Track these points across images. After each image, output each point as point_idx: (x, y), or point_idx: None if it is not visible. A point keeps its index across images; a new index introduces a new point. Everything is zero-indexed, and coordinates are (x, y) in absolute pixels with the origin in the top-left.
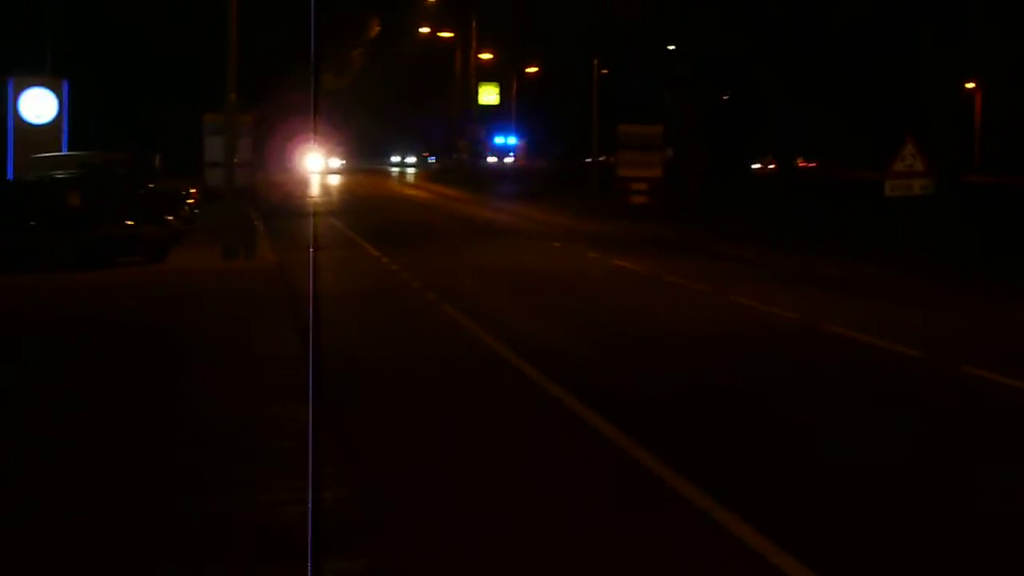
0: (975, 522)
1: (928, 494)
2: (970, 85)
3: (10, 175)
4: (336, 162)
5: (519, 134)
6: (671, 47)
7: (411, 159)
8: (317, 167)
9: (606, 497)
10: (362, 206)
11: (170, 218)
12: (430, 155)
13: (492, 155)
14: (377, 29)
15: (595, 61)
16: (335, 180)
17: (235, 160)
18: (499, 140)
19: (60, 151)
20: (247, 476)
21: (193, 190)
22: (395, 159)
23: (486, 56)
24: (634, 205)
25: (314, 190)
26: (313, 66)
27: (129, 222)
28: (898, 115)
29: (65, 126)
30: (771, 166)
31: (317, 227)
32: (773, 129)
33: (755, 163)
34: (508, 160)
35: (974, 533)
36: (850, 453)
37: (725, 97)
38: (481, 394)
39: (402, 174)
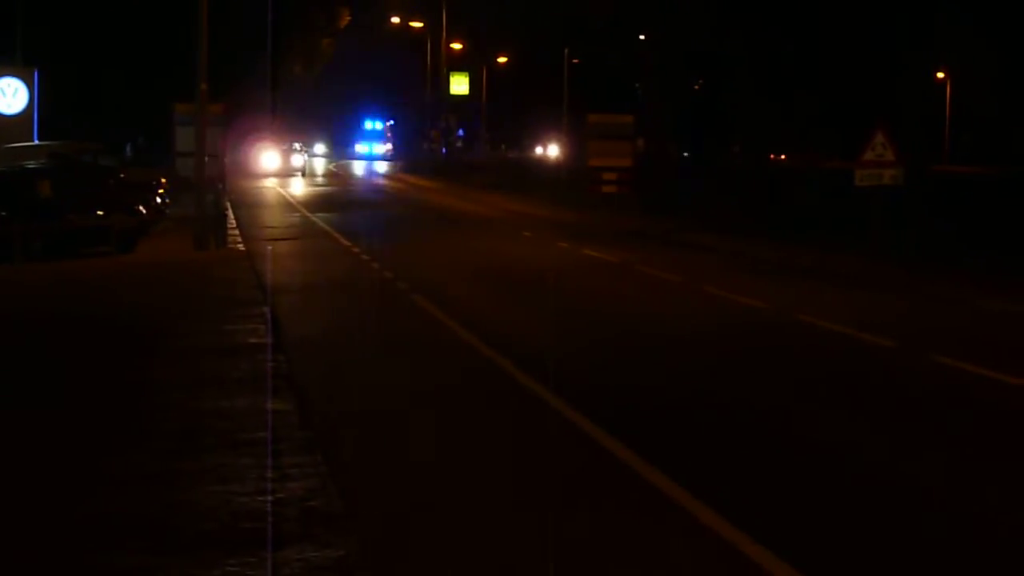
0: (947, 512)
1: (900, 484)
2: (940, 75)
3: None
4: (299, 159)
5: (391, 117)
6: (642, 37)
7: (319, 148)
8: (273, 165)
9: (572, 473)
10: (332, 197)
11: (140, 208)
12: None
13: (362, 144)
14: (347, 19)
15: (566, 51)
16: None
17: (206, 150)
18: (368, 125)
19: (31, 141)
20: (215, 466)
21: (163, 180)
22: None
23: (457, 46)
24: (605, 195)
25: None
26: (271, 55)
27: (99, 212)
28: (869, 105)
29: (35, 116)
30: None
31: (287, 219)
32: (744, 120)
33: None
34: (382, 150)
35: (946, 524)
36: (825, 443)
37: (696, 87)
38: (448, 381)
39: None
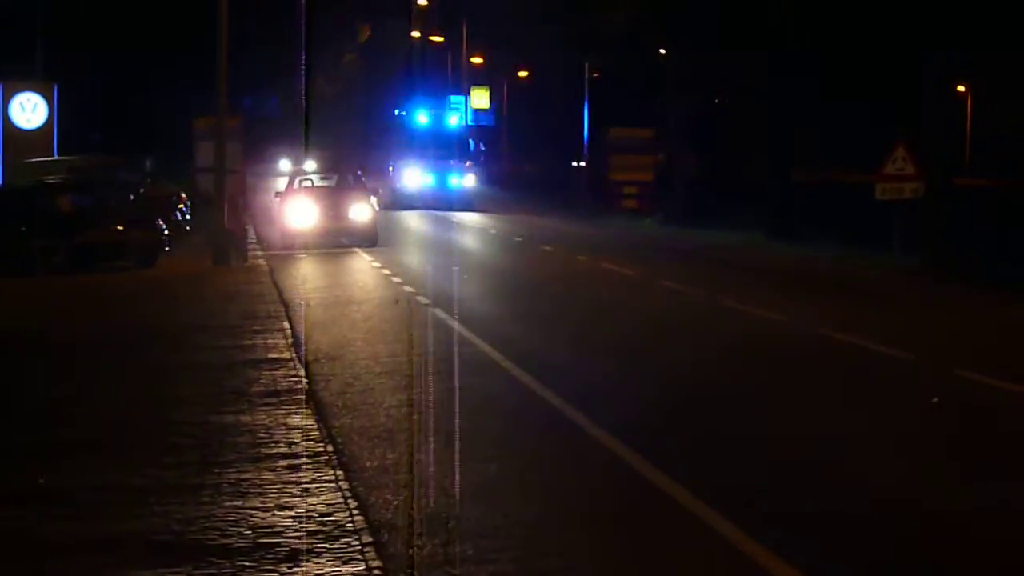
0: (964, 526)
1: (921, 503)
2: (961, 89)
3: (0, 181)
4: (364, 210)
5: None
6: (662, 51)
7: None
8: (308, 223)
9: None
10: None
11: (160, 223)
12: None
13: (416, 167)
14: (368, 34)
15: (586, 64)
16: None
17: (227, 166)
18: (422, 119)
19: (51, 156)
20: (235, 481)
21: (183, 195)
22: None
23: (477, 60)
24: (625, 209)
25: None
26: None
27: (119, 227)
28: (890, 118)
29: (55, 131)
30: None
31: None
32: (764, 133)
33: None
34: (469, 180)
35: (968, 540)
36: (844, 457)
37: (716, 100)
38: (464, 387)
39: None
